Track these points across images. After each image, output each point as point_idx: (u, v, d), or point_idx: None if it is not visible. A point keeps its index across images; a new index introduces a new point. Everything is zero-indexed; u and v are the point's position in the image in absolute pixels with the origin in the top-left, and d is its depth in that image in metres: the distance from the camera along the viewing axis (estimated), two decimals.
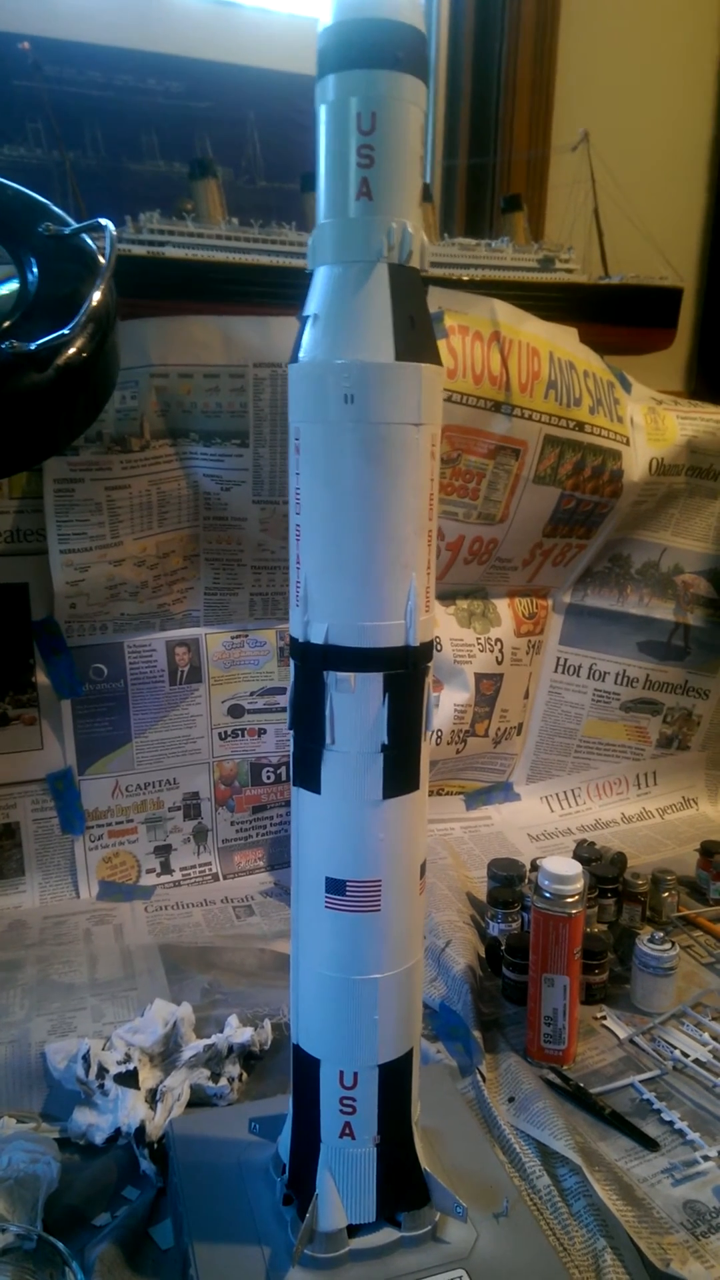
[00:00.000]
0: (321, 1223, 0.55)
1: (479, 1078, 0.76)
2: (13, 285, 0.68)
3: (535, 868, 0.90)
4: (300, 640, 0.52)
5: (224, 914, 1.05)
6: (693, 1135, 0.71)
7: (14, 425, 0.65)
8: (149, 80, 1.13)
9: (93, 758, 1.07)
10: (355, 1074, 0.55)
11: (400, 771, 0.52)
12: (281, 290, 1.03)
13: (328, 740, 0.51)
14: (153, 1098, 0.70)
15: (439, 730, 1.19)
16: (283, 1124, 0.61)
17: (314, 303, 0.49)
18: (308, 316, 0.49)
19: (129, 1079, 0.70)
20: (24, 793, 1.05)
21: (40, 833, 1.06)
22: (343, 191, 0.47)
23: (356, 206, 0.47)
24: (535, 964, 0.79)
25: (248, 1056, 0.77)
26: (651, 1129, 0.72)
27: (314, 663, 0.51)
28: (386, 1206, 0.57)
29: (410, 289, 0.48)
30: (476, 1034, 0.80)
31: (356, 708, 0.51)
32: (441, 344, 1.01)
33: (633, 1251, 0.60)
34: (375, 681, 0.50)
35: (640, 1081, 0.77)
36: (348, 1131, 0.55)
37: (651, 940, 0.86)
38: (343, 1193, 0.56)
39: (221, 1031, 0.77)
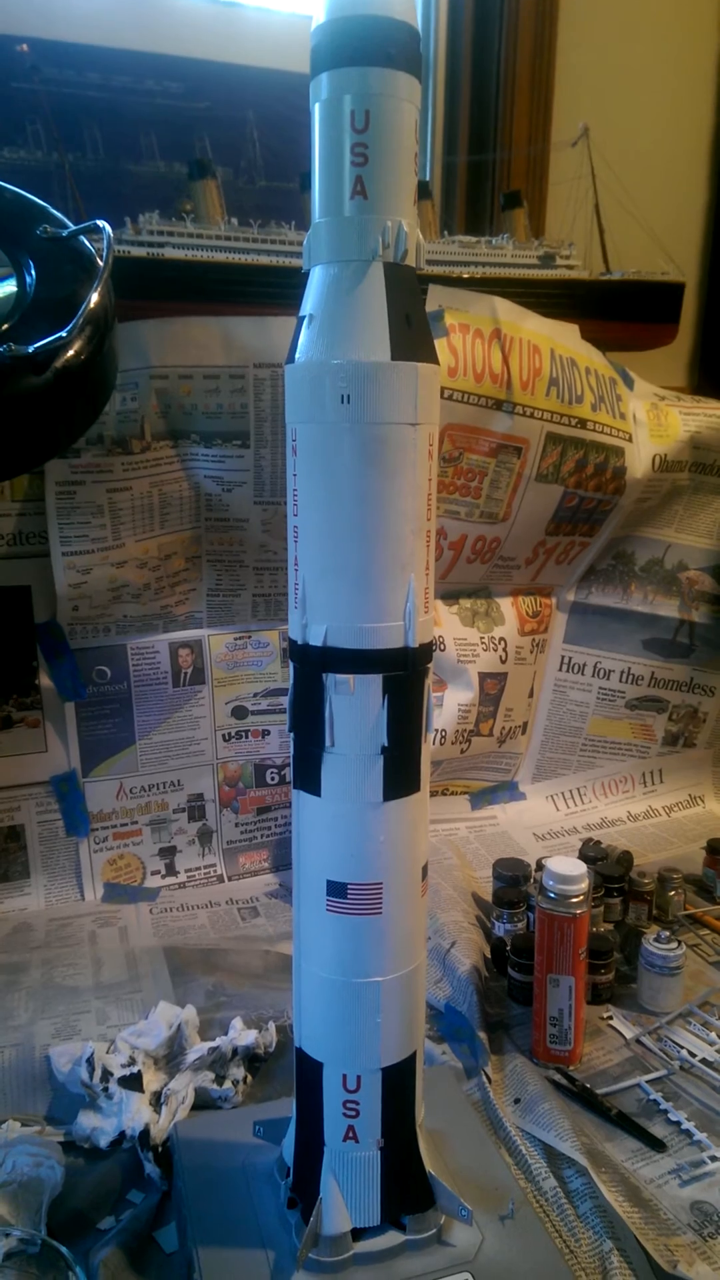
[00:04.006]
0: (326, 1226, 0.54)
1: (484, 1079, 0.76)
2: (10, 288, 0.68)
3: (540, 867, 0.90)
4: (299, 642, 0.51)
5: (229, 916, 1.05)
6: (700, 1136, 0.71)
7: (12, 428, 0.66)
8: (147, 81, 1.13)
9: (97, 760, 1.07)
10: (358, 1077, 0.54)
11: (401, 773, 0.52)
12: (281, 290, 1.02)
13: (327, 743, 0.51)
14: (157, 1101, 0.70)
15: (443, 730, 1.19)
16: (287, 1127, 0.60)
17: (310, 303, 0.49)
18: (304, 317, 0.49)
19: (133, 1082, 0.70)
20: (28, 795, 1.05)
21: (45, 835, 1.06)
22: (337, 190, 0.47)
23: (351, 205, 0.47)
24: (540, 964, 0.78)
25: (252, 1059, 0.77)
26: (658, 1130, 0.72)
27: (313, 665, 0.51)
28: (391, 1209, 0.57)
29: (406, 288, 0.48)
30: (482, 1035, 0.80)
31: (356, 710, 0.50)
32: (442, 342, 1.01)
33: (640, 1253, 0.60)
34: (374, 683, 0.50)
35: (647, 1082, 0.77)
36: (351, 1135, 0.55)
37: (658, 939, 0.86)
38: (347, 1196, 0.55)
39: (226, 1034, 0.77)
